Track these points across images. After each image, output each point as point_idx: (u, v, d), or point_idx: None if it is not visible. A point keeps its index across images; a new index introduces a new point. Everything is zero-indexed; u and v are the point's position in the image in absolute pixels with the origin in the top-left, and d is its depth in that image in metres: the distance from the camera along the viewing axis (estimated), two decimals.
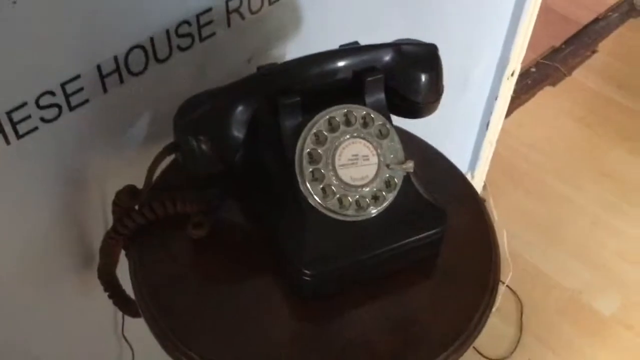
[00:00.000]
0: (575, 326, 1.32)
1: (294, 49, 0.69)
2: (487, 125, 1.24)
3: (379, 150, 0.52)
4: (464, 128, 1.24)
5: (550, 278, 1.39)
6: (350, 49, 0.54)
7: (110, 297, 0.63)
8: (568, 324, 1.32)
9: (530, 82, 1.83)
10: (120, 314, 0.68)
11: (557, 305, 1.35)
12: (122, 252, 0.60)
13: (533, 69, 1.86)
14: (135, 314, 0.65)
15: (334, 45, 0.56)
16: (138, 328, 0.65)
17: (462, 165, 1.29)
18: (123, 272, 0.61)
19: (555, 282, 1.38)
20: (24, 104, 0.50)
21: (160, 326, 0.51)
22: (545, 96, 1.80)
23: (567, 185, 1.58)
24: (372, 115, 0.52)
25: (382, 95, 0.54)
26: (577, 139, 1.69)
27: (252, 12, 0.62)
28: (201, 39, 0.59)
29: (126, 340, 0.74)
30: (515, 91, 1.27)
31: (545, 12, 1.11)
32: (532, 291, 1.36)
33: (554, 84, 1.83)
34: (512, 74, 1.16)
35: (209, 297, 0.54)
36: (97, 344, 0.75)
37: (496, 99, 1.19)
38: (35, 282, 0.63)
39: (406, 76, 0.55)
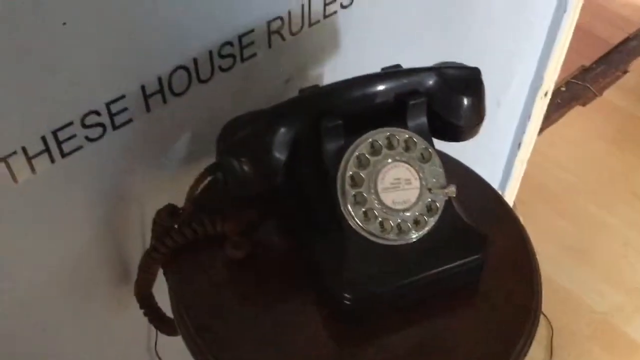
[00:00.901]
0: (606, 351, 1.29)
1: (332, 71, 0.69)
2: (519, 144, 1.23)
3: (421, 174, 0.52)
4: (496, 147, 1.23)
5: (581, 301, 1.37)
6: (393, 73, 0.54)
7: (145, 314, 0.63)
8: (599, 348, 1.29)
9: (560, 101, 1.81)
10: (153, 330, 0.68)
11: (588, 329, 1.32)
12: (159, 270, 0.60)
13: (563, 89, 1.85)
14: (169, 332, 0.65)
15: (371, 66, 0.55)
16: (170, 345, 0.66)
17: (492, 184, 1.28)
18: (158, 290, 0.61)
19: (586, 305, 1.36)
20: (69, 123, 0.51)
21: (197, 344, 0.51)
22: (575, 116, 1.79)
23: (598, 206, 1.55)
24: (414, 139, 0.52)
25: (424, 119, 0.54)
26: (608, 159, 1.67)
27: (292, 34, 0.62)
28: (242, 60, 0.60)
29: (158, 356, 0.74)
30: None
31: (575, 31, 1.10)
32: (562, 314, 1.34)
33: (584, 103, 1.82)
34: (546, 94, 1.15)
35: (246, 317, 0.53)
36: None
37: (529, 118, 1.18)
38: (71, 297, 0.63)
39: (449, 100, 0.54)
